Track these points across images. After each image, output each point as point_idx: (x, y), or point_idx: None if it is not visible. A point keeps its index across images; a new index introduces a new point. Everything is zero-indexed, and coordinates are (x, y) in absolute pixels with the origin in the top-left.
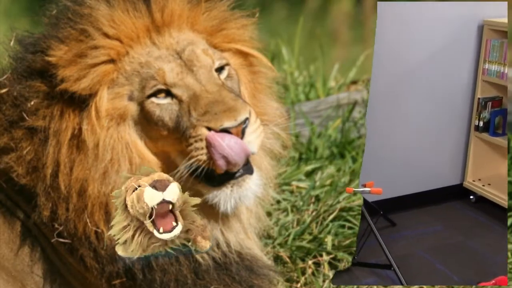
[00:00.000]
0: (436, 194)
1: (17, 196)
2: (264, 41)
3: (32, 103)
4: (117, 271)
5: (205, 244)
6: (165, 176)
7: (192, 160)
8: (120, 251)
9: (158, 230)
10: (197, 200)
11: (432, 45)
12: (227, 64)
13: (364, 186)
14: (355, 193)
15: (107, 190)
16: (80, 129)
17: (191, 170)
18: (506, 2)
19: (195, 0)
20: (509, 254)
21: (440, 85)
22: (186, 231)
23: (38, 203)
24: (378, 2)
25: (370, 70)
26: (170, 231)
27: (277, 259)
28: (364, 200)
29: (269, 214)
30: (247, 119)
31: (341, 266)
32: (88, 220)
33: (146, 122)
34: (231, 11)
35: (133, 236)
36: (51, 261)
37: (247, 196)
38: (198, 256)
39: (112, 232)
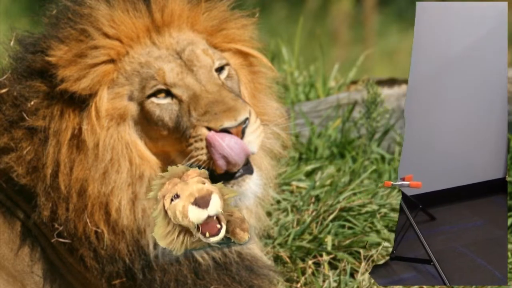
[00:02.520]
0: (478, 188)
1: (17, 196)
2: (264, 41)
3: (32, 103)
4: (117, 271)
5: (244, 236)
6: (204, 189)
7: (192, 160)
8: (162, 243)
9: (204, 235)
10: (233, 193)
11: (472, 38)
12: (227, 64)
13: (403, 179)
14: (393, 187)
15: (107, 190)
16: (80, 129)
17: None
18: (506, 2)
19: (195, 0)
20: (509, 254)
21: (481, 77)
22: (225, 222)
23: (38, 203)
24: (418, 3)
25: (370, 70)
26: (216, 234)
27: (277, 259)
28: (403, 193)
29: (269, 214)
30: (247, 119)
31: (341, 266)
32: (88, 220)
33: (146, 122)
34: (231, 11)
35: (177, 237)
36: (51, 261)
37: (247, 196)
38: (198, 256)
39: (156, 237)
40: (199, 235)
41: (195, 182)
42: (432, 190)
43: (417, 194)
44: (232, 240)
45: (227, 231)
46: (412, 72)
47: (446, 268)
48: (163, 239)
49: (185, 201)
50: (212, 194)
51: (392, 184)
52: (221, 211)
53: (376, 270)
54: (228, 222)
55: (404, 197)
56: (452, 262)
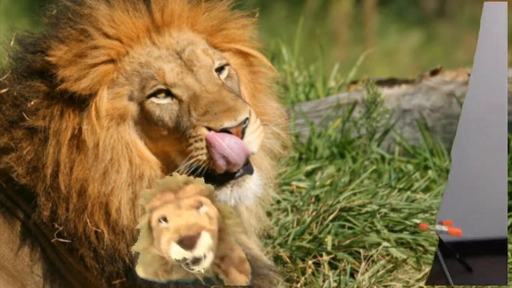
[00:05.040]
0: None
1: (17, 196)
2: (264, 41)
3: (32, 103)
4: (117, 271)
5: (240, 279)
6: (194, 225)
7: (192, 160)
8: (140, 272)
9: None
10: (237, 218)
11: None
12: (227, 64)
13: (442, 223)
14: (430, 231)
15: (107, 190)
16: (80, 129)
17: (191, 170)
18: (506, 2)
19: (195, 0)
20: (509, 254)
21: None
22: (221, 257)
23: (38, 203)
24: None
25: (370, 70)
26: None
27: (277, 259)
28: (440, 240)
29: (269, 214)
30: (247, 119)
31: (341, 266)
32: (88, 220)
33: (146, 122)
34: (231, 11)
35: (155, 257)
36: (51, 261)
37: (247, 196)
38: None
39: (135, 248)
40: (183, 267)
41: (189, 207)
42: (473, 239)
43: (455, 242)
44: (224, 282)
45: (220, 269)
46: (467, 101)
47: None
48: (142, 254)
49: (170, 236)
50: (201, 233)
51: (429, 228)
52: (211, 252)
53: None
54: (224, 258)
55: (441, 243)
56: None
